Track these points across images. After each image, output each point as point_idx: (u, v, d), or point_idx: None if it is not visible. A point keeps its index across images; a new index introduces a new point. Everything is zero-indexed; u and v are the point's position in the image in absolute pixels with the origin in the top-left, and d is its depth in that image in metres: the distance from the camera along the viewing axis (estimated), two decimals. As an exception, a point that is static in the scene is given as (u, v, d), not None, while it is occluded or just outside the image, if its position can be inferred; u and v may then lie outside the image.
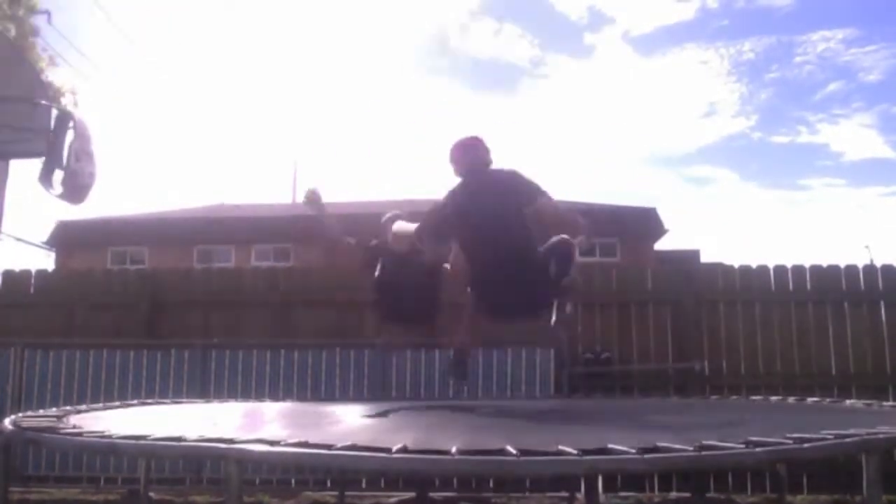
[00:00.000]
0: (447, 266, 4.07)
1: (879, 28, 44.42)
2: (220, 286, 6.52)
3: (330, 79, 52.68)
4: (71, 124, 4.37)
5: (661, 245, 18.78)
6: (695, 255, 17.92)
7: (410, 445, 1.90)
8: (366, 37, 52.46)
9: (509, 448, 1.81)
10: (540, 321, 3.65)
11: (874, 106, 46.59)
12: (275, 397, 5.19)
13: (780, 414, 3.44)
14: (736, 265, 6.26)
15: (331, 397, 5.68)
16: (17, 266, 6.71)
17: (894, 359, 5.93)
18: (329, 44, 49.75)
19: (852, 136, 45.16)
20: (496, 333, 6.06)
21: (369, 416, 3.30)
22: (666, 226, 18.50)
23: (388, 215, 4.89)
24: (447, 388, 5.60)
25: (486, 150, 3.77)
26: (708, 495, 5.59)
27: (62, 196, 4.27)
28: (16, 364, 5.94)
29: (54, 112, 4.52)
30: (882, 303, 6.03)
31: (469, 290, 3.64)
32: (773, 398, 4.30)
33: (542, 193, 3.59)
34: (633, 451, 1.76)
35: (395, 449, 1.84)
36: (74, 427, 2.45)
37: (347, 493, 5.27)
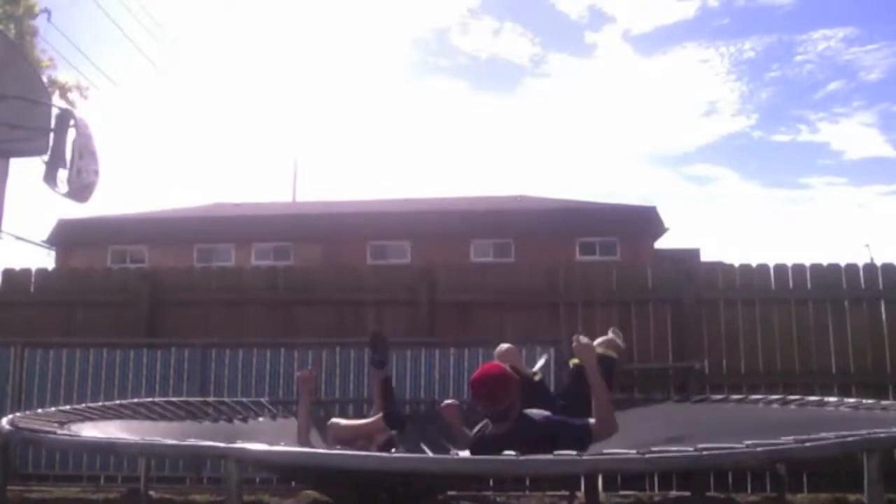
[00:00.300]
0: None
1: (880, 27, 44.39)
2: (220, 285, 6.52)
3: (329, 78, 52.66)
4: (72, 122, 4.37)
5: (661, 244, 18.78)
6: (695, 254, 17.92)
7: (410, 445, 1.90)
8: (365, 36, 52.45)
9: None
10: None
11: (875, 105, 46.54)
12: (275, 396, 5.18)
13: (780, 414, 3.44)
14: (736, 264, 6.26)
15: (331, 396, 5.69)
16: (18, 265, 6.71)
17: (894, 357, 5.92)
18: (328, 43, 49.73)
19: (853, 134, 45.13)
20: (496, 333, 6.08)
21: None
22: (666, 225, 18.51)
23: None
24: (447, 387, 5.60)
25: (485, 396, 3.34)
26: (708, 494, 5.58)
27: (68, 195, 4.27)
28: (16, 363, 5.93)
29: (54, 111, 4.52)
30: (882, 301, 6.03)
31: None
32: (773, 397, 4.30)
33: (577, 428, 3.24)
34: (634, 450, 1.76)
35: (395, 449, 1.84)
36: (74, 427, 2.45)
37: (347, 492, 5.26)
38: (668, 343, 6.09)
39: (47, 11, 13.27)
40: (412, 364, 5.83)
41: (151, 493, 5.29)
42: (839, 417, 3.06)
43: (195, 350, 5.93)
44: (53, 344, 6.04)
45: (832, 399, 3.97)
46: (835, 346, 6.00)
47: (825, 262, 6.14)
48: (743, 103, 47.34)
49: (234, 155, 49.33)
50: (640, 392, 5.84)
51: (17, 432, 2.37)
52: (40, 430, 2.34)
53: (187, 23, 44.30)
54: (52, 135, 4.38)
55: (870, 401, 3.66)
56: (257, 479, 5.66)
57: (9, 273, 6.61)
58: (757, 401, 4.05)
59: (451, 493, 5.51)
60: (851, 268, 6.11)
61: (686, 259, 15.44)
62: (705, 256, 17.60)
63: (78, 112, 4.51)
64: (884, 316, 5.99)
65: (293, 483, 5.72)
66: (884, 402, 3.63)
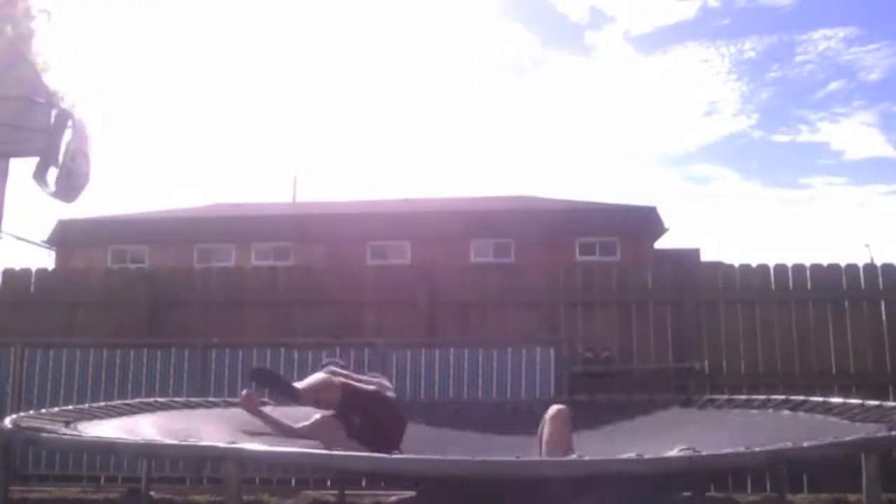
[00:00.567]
0: None
1: (880, 27, 44.37)
2: (221, 285, 6.52)
3: (329, 78, 52.65)
4: (70, 123, 4.37)
5: (662, 244, 18.79)
6: (695, 254, 17.91)
7: (410, 446, 1.90)
8: (365, 36, 52.42)
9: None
10: None
11: (875, 105, 46.52)
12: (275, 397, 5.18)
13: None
14: (736, 264, 6.26)
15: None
16: (18, 265, 6.71)
17: (894, 358, 5.92)
18: (327, 42, 49.72)
19: (853, 134, 45.12)
20: (496, 333, 6.09)
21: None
22: (666, 225, 18.51)
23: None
24: (447, 388, 5.60)
25: None
26: (708, 495, 5.59)
27: (55, 195, 4.26)
28: (16, 364, 5.94)
29: (54, 111, 4.52)
30: (882, 302, 6.03)
31: None
32: (774, 397, 4.29)
33: None
34: (633, 452, 1.77)
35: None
36: (74, 427, 2.45)
37: (347, 491, 5.27)
38: (668, 343, 6.09)
39: (47, 12, 13.27)
40: (412, 364, 5.84)
41: (152, 493, 5.29)
42: (839, 417, 3.06)
43: (195, 350, 5.94)
44: (53, 344, 6.05)
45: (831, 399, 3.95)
46: (835, 346, 6.00)
47: (825, 263, 6.14)
48: (743, 103, 47.38)
49: (234, 155, 49.36)
50: (641, 392, 5.84)
51: (18, 432, 2.37)
52: (42, 430, 2.35)
53: (187, 23, 44.31)
54: (48, 134, 4.38)
55: (870, 401, 3.65)
56: (257, 480, 5.67)
57: (9, 273, 6.61)
58: (766, 404, 3.96)
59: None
60: (851, 268, 6.11)
61: (686, 259, 15.45)
62: (705, 256, 17.60)
63: (78, 113, 4.51)
64: (884, 316, 6.00)
65: (293, 483, 5.73)
66: (884, 403, 3.62)
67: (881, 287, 6.03)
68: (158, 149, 47.22)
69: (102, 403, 3.92)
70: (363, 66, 50.11)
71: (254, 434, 3.19)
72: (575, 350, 5.99)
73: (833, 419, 3.06)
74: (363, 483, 5.74)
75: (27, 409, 4.41)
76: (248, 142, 49.11)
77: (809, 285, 6.09)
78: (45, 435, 2.32)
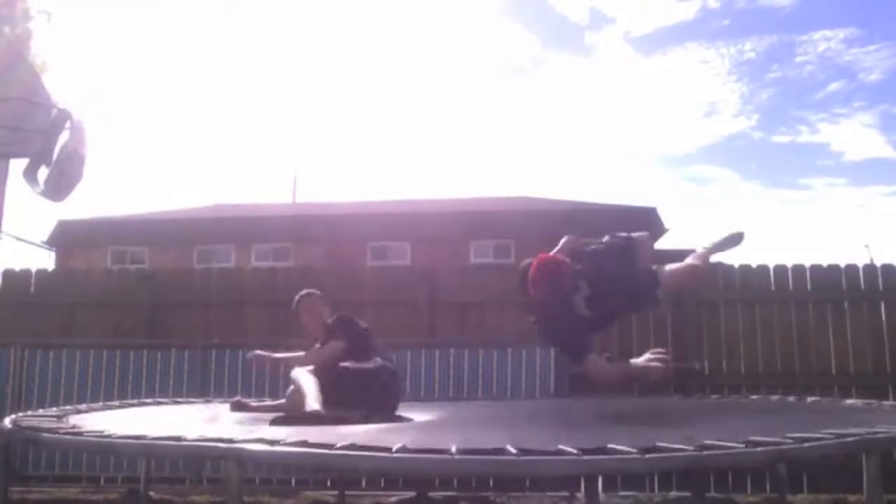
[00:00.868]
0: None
1: (880, 28, 44.35)
2: (220, 286, 6.52)
3: (328, 78, 52.67)
4: (68, 124, 4.37)
5: (662, 245, 18.72)
6: (695, 254, 17.87)
7: (410, 445, 1.90)
8: (365, 36, 52.43)
9: (509, 448, 1.81)
10: None
11: (875, 106, 46.50)
12: (274, 397, 5.18)
13: (781, 413, 3.44)
14: (736, 264, 6.26)
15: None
16: (17, 265, 6.71)
17: (894, 358, 5.92)
18: (327, 42, 49.73)
19: (853, 135, 45.10)
20: (496, 334, 6.09)
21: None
22: (666, 225, 18.50)
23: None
24: (447, 388, 5.60)
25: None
26: (708, 495, 5.58)
27: (44, 193, 4.26)
28: (16, 364, 5.94)
29: (53, 112, 4.52)
30: (882, 302, 6.03)
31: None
32: (773, 397, 4.30)
33: None
34: (634, 450, 1.76)
35: (395, 449, 1.85)
36: (74, 427, 2.45)
37: (347, 492, 5.27)
38: (667, 343, 6.08)
39: (47, 13, 13.26)
40: (412, 364, 5.84)
41: (151, 493, 5.29)
42: (839, 418, 3.06)
43: (195, 351, 5.94)
44: (53, 344, 6.05)
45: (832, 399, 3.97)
46: (835, 346, 6.00)
47: (825, 263, 6.14)
48: (743, 104, 47.36)
49: (234, 155, 49.35)
50: (640, 392, 5.84)
51: (18, 432, 2.38)
52: (42, 430, 2.35)
53: (187, 23, 44.34)
54: (45, 134, 4.38)
55: (870, 401, 3.66)
56: (257, 480, 5.67)
57: (9, 274, 6.61)
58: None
59: (450, 493, 5.52)
60: (851, 268, 6.11)
61: (686, 260, 15.37)
62: (705, 257, 17.53)
63: (77, 114, 4.50)
64: (884, 317, 6.00)
65: (293, 483, 5.73)
66: (884, 403, 3.63)
67: (881, 288, 6.03)
68: (158, 149, 47.23)
69: (102, 404, 3.93)
70: (363, 66, 50.13)
71: (254, 433, 3.19)
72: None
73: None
74: (363, 484, 5.74)
75: (27, 409, 4.42)
76: (247, 142, 49.10)
77: (809, 286, 6.10)
78: (45, 435, 2.32)
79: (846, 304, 6.06)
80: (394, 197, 21.83)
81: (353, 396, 3.44)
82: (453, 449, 1.85)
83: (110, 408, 3.78)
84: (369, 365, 3.72)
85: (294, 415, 3.27)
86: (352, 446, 1.90)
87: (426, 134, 51.18)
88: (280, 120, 49.03)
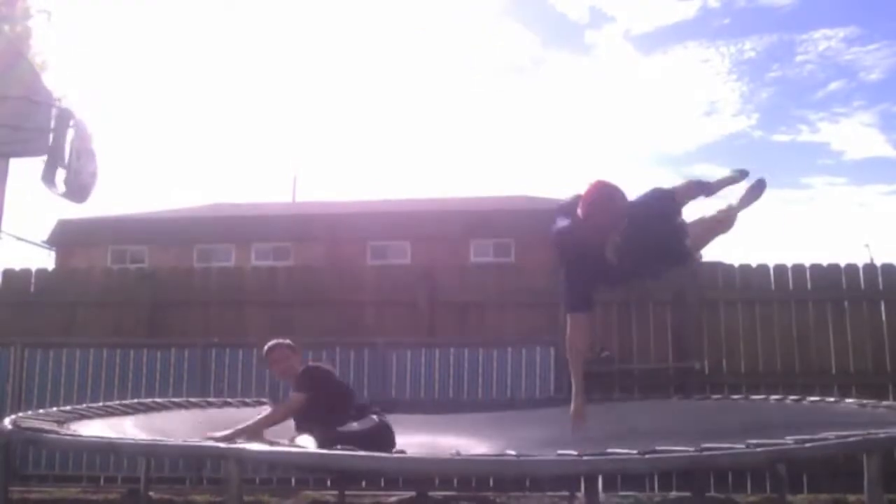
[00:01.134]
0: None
1: (881, 27, 44.28)
2: (220, 285, 6.52)
3: (328, 78, 52.62)
4: (71, 123, 4.37)
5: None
6: (695, 254, 17.87)
7: (411, 445, 1.90)
8: (365, 35, 52.40)
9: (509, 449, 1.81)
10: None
11: (875, 105, 46.43)
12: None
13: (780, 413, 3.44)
14: (736, 264, 6.26)
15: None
16: (18, 265, 6.71)
17: (894, 357, 5.92)
18: (327, 42, 49.69)
19: (853, 134, 45.04)
20: (496, 333, 6.09)
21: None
22: (666, 225, 18.47)
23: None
24: (447, 387, 5.60)
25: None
26: (708, 495, 5.59)
27: (65, 195, 4.27)
28: (16, 363, 5.94)
29: (54, 111, 4.52)
30: (882, 302, 6.03)
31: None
32: (774, 397, 4.30)
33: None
34: (634, 451, 1.76)
35: (395, 448, 1.84)
36: (74, 427, 2.45)
37: (347, 492, 5.27)
38: (667, 343, 6.09)
39: (47, 12, 13.24)
40: (412, 364, 5.84)
41: (151, 493, 5.29)
42: (839, 418, 3.06)
43: (195, 350, 5.94)
44: (53, 344, 6.05)
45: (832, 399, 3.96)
46: (835, 346, 6.00)
47: (825, 263, 6.14)
48: (743, 103, 47.31)
49: (234, 155, 49.31)
50: (640, 392, 5.86)
51: (18, 432, 2.38)
52: (42, 430, 2.34)
53: (187, 22, 44.31)
54: (51, 135, 4.38)
55: (870, 401, 3.66)
56: (257, 480, 5.67)
57: (9, 273, 6.61)
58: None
59: (450, 492, 5.52)
60: (851, 268, 6.11)
61: (686, 259, 15.37)
62: (706, 256, 17.47)
63: (78, 112, 4.50)
64: (884, 316, 6.00)
65: (293, 482, 5.73)
66: (884, 403, 3.63)
67: (881, 287, 6.03)
68: (158, 149, 47.21)
69: (102, 403, 3.93)
70: (363, 65, 50.10)
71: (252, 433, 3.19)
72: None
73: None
74: (363, 483, 5.74)
75: (27, 409, 4.42)
76: (247, 142, 49.03)
77: (809, 285, 6.10)
78: (45, 435, 2.32)
79: (846, 304, 6.06)
80: (394, 196, 21.82)
81: None
82: (453, 449, 1.85)
83: (110, 414, 3.75)
84: (366, 426, 3.52)
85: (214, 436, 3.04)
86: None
87: (426, 133, 51.15)
88: (280, 119, 48.98)
